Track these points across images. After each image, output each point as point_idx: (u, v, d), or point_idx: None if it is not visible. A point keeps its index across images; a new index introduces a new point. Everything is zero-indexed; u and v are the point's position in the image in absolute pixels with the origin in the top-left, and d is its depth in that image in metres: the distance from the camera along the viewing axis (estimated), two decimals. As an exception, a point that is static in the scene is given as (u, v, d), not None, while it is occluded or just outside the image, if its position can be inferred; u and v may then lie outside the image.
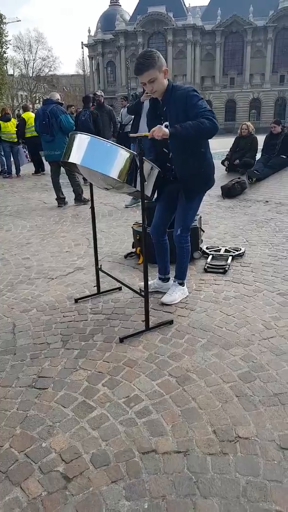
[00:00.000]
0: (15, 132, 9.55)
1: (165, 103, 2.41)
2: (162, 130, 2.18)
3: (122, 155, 2.06)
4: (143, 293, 2.33)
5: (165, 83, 2.36)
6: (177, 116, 2.34)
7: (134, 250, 3.72)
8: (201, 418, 1.65)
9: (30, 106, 11.91)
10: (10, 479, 1.41)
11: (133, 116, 5.64)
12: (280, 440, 1.52)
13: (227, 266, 3.29)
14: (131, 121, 5.85)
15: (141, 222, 3.80)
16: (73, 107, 10.39)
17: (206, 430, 1.59)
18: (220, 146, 11.64)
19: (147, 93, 5.48)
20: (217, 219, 5.03)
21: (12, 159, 9.76)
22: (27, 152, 10.07)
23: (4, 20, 31.97)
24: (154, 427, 1.61)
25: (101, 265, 2.91)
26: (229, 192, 6.29)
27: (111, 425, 1.63)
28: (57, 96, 6.41)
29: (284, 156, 7.52)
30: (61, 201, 6.20)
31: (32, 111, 10.50)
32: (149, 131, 2.67)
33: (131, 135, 3.24)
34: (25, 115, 9.96)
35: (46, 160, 6.31)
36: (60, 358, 2.11)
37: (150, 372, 1.95)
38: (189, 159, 2.43)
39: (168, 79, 2.39)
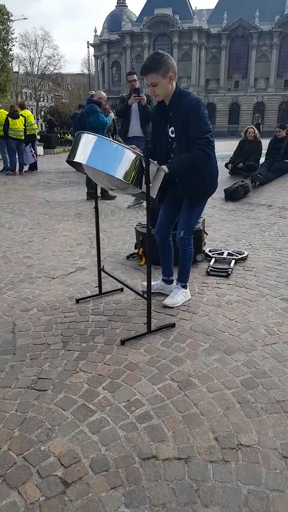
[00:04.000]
0: (23, 129, 9.56)
1: (171, 108, 2.39)
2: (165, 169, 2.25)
3: (128, 156, 2.04)
4: (145, 295, 2.31)
5: (169, 88, 2.32)
6: (182, 124, 2.33)
7: (136, 251, 3.70)
8: (203, 424, 1.62)
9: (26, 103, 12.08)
10: (8, 483, 1.38)
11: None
12: (282, 449, 1.49)
13: (230, 269, 3.26)
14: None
15: (143, 222, 3.79)
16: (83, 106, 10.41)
17: (207, 436, 1.56)
18: (224, 148, 11.64)
19: (134, 96, 5.52)
20: (220, 222, 5.01)
21: (16, 156, 9.77)
22: (33, 151, 10.10)
23: (11, 18, 32.00)
24: (155, 432, 1.59)
25: (103, 266, 2.89)
26: (232, 195, 6.27)
27: (111, 429, 1.60)
28: (100, 94, 6.43)
29: (288, 161, 7.51)
30: (90, 195, 6.31)
31: (37, 109, 10.67)
32: (153, 135, 2.66)
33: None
34: (24, 113, 9.99)
35: None
36: (60, 360, 2.08)
37: (151, 376, 1.92)
38: (195, 170, 2.41)
39: (176, 83, 2.35)
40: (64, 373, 1.96)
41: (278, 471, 1.41)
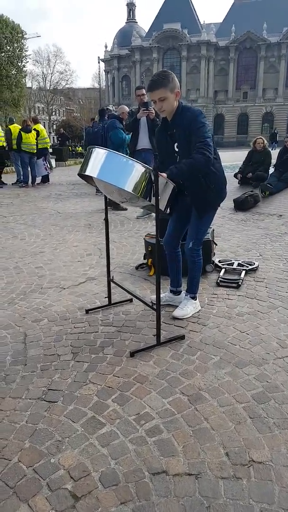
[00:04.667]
0: (35, 143, 9.78)
1: (174, 125, 2.43)
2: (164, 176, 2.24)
3: (138, 170, 2.06)
4: (154, 306, 2.31)
5: (174, 105, 2.38)
6: (185, 138, 2.37)
7: (145, 261, 3.71)
8: (214, 439, 1.60)
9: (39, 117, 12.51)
10: (18, 495, 1.38)
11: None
12: (296, 466, 1.46)
13: (241, 280, 3.24)
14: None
15: (152, 233, 3.80)
16: (94, 119, 10.61)
17: (218, 452, 1.54)
18: (232, 158, 11.67)
19: (143, 110, 5.63)
20: (229, 232, 5.00)
21: (29, 169, 9.95)
22: (46, 164, 10.30)
23: (25, 36, 32.98)
24: (165, 446, 1.57)
25: (113, 277, 2.90)
26: (241, 205, 6.26)
27: (121, 443, 1.59)
28: (123, 109, 6.52)
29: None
30: (115, 206, 6.33)
31: (49, 123, 11.02)
32: (159, 152, 2.68)
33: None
34: (37, 127, 10.22)
35: None
36: (70, 371, 2.08)
37: (161, 389, 1.91)
38: (198, 177, 2.43)
39: (178, 101, 2.40)
40: (74, 385, 1.96)
41: (291, 488, 1.38)
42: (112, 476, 1.44)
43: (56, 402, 1.84)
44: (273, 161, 7.86)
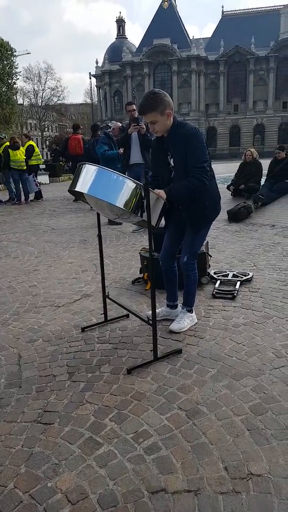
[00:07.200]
0: (24, 160, 9.83)
1: (169, 140, 2.44)
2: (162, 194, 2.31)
3: (128, 186, 2.09)
4: (151, 322, 2.30)
5: (167, 124, 2.38)
6: (180, 154, 2.39)
7: (141, 275, 3.71)
8: (212, 454, 1.58)
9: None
10: (14, 522, 1.36)
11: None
12: (295, 479, 1.45)
13: (236, 291, 3.25)
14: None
15: (148, 247, 3.81)
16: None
17: (217, 466, 1.52)
18: (225, 170, 11.82)
19: (134, 125, 5.75)
20: (223, 243, 5.03)
21: (21, 186, 9.99)
22: (36, 180, 10.34)
23: (14, 53, 33.51)
24: (163, 464, 1.55)
25: (108, 292, 2.89)
26: (235, 216, 6.32)
27: (119, 462, 1.57)
28: (114, 125, 6.72)
29: (288, 181, 7.60)
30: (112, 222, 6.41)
31: (42, 139, 11.16)
32: (154, 164, 2.71)
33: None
34: (31, 143, 10.33)
35: None
36: (66, 391, 2.06)
37: (159, 406, 1.89)
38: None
39: (174, 117, 2.40)
40: (70, 405, 1.94)
41: (291, 502, 1.36)
42: (110, 497, 1.42)
43: (53, 424, 1.82)
44: (265, 171, 7.97)
